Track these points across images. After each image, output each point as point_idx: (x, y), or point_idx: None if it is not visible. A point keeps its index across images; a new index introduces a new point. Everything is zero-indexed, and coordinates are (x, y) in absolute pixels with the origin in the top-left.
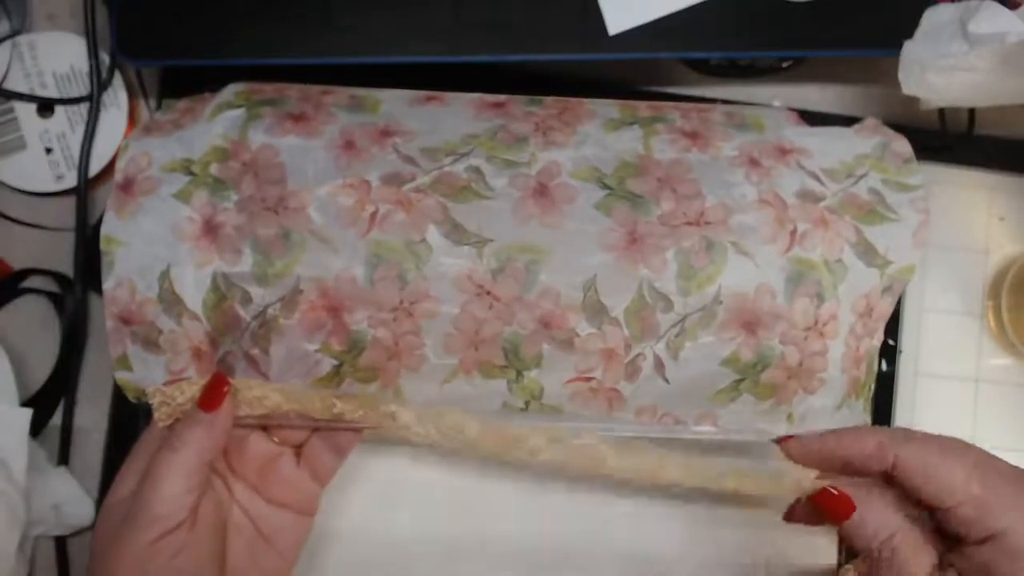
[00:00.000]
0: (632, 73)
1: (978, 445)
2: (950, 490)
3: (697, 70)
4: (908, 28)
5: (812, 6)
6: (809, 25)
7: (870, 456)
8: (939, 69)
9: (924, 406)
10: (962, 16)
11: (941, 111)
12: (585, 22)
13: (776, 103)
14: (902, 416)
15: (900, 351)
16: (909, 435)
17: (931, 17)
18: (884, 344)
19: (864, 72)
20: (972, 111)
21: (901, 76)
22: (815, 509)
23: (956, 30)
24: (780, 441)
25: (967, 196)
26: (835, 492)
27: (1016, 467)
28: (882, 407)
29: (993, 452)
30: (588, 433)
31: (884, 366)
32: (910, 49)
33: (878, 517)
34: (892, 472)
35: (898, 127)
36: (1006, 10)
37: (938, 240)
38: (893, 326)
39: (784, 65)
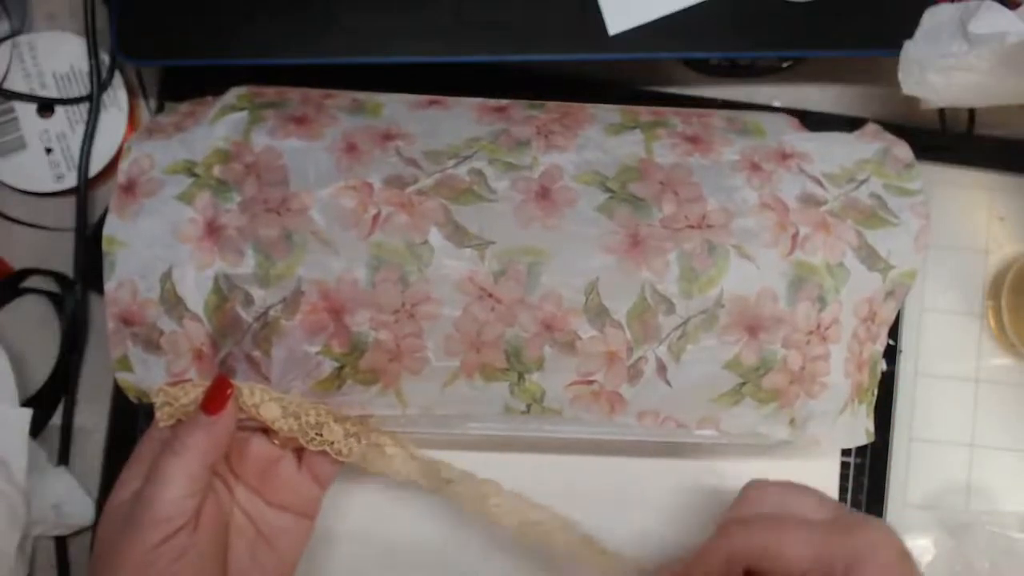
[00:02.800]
0: (632, 73)
1: (978, 445)
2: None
3: (697, 70)
4: (908, 28)
5: (812, 6)
6: (809, 25)
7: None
8: (939, 69)
9: (924, 406)
10: (962, 16)
11: (941, 111)
12: (585, 22)
13: (776, 103)
14: (902, 416)
15: (900, 351)
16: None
17: (931, 17)
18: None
19: (864, 72)
20: (972, 111)
21: (901, 76)
22: None
23: (956, 30)
24: None
25: (967, 196)
26: None
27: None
28: (882, 407)
29: (993, 452)
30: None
31: (884, 366)
32: (910, 49)
33: None
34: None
35: (898, 127)
36: (1006, 10)
37: (938, 240)
38: (893, 326)
39: (784, 65)
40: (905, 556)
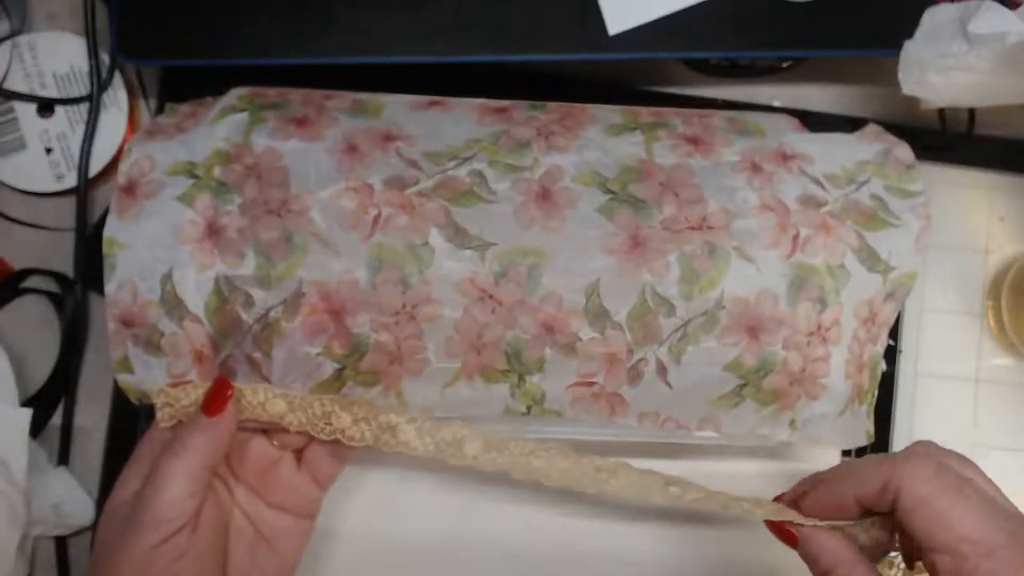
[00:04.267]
0: (632, 73)
1: (978, 445)
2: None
3: (697, 70)
4: (908, 28)
5: (812, 6)
6: (809, 25)
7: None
8: (939, 69)
9: (924, 406)
10: (962, 16)
11: (941, 111)
12: (585, 22)
13: (776, 103)
14: (902, 416)
15: (900, 351)
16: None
17: (931, 17)
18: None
19: (864, 72)
20: (972, 111)
21: (901, 76)
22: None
23: (956, 30)
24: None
25: (967, 196)
26: (776, 525)
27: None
28: (882, 407)
29: (993, 452)
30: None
31: (884, 366)
32: (910, 49)
33: (830, 555)
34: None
35: (898, 127)
36: (1006, 10)
37: (938, 240)
38: (893, 326)
39: (784, 65)
40: None
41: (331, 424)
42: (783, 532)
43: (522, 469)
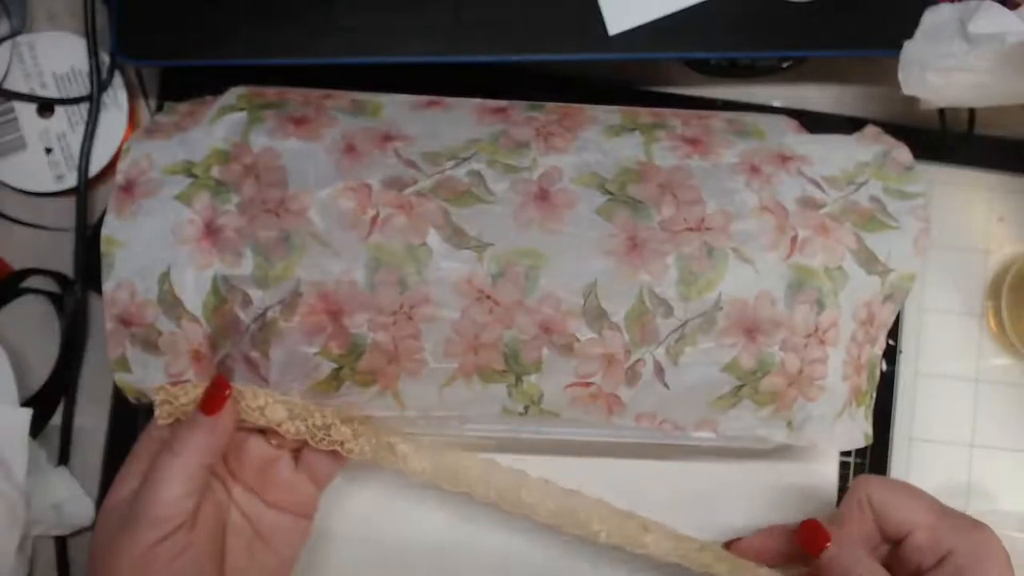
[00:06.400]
0: (632, 73)
1: (978, 445)
2: (909, 521)
3: (697, 70)
4: (908, 28)
5: (812, 6)
6: (809, 25)
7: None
8: (939, 69)
9: (924, 406)
10: (962, 16)
11: (941, 111)
12: (585, 22)
13: (776, 103)
14: (902, 416)
15: (900, 351)
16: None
17: (931, 17)
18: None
19: (864, 72)
20: (972, 111)
21: (901, 76)
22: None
23: (956, 30)
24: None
25: (967, 196)
26: (818, 523)
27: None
28: (882, 407)
29: (993, 452)
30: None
31: (884, 366)
32: (910, 49)
33: (849, 553)
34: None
35: (898, 127)
36: (1006, 10)
37: (938, 240)
38: (893, 326)
39: (784, 65)
40: (1010, 565)
41: (330, 436)
42: (819, 532)
43: (512, 502)
